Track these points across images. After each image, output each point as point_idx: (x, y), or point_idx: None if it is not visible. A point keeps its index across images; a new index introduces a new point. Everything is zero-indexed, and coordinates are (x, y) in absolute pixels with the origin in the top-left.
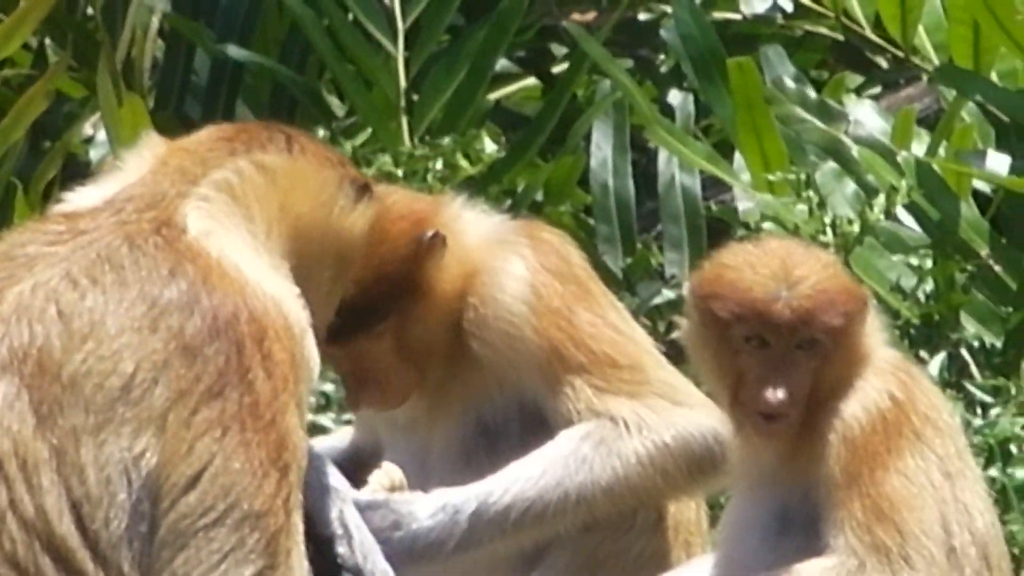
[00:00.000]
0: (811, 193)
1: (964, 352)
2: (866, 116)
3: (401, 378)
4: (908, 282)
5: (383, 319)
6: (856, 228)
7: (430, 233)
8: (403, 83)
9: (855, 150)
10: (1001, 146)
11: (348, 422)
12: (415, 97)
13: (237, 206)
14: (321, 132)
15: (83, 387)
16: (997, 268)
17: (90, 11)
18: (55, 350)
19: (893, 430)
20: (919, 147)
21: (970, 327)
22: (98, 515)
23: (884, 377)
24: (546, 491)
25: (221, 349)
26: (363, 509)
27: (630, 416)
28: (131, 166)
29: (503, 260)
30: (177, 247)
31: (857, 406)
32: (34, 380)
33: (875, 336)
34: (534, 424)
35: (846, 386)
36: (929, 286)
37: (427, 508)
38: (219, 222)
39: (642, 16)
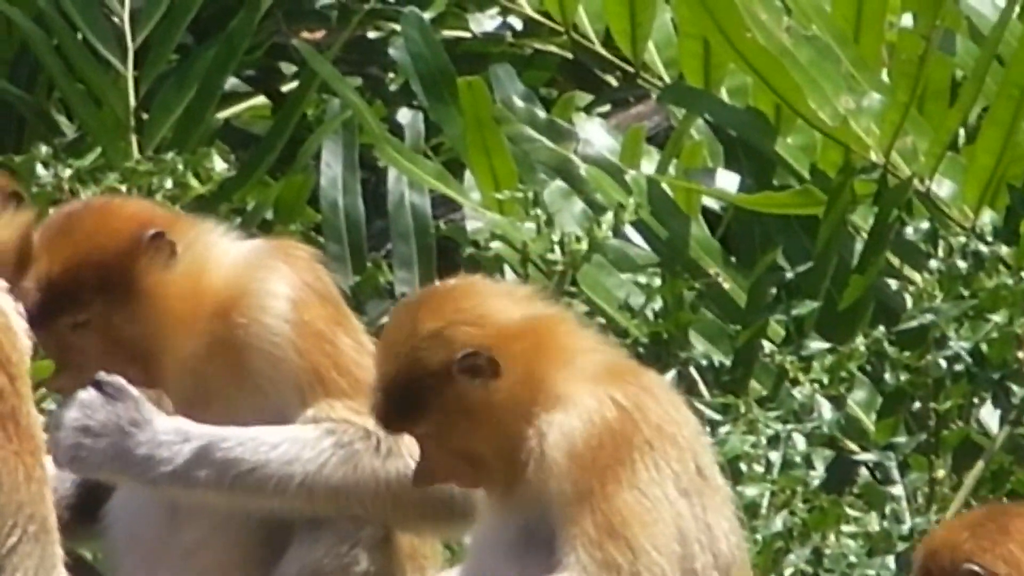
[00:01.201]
0: (540, 211)
1: (693, 370)
2: (595, 134)
3: (125, 371)
4: (636, 300)
5: (82, 308)
6: (584, 246)
7: (151, 233)
8: (133, 102)
9: (583, 169)
10: (730, 164)
11: None
12: (145, 116)
13: None
14: (45, 149)
15: None
16: (726, 286)
17: None
18: None
19: (622, 440)
20: (649, 165)
21: (699, 345)
22: None
23: (605, 385)
24: (275, 462)
25: None
26: (116, 388)
27: (384, 438)
28: None
29: (265, 280)
30: None
31: (576, 419)
32: None
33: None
34: None
35: (555, 398)
36: (658, 304)
37: (165, 424)
38: None
39: (371, 35)
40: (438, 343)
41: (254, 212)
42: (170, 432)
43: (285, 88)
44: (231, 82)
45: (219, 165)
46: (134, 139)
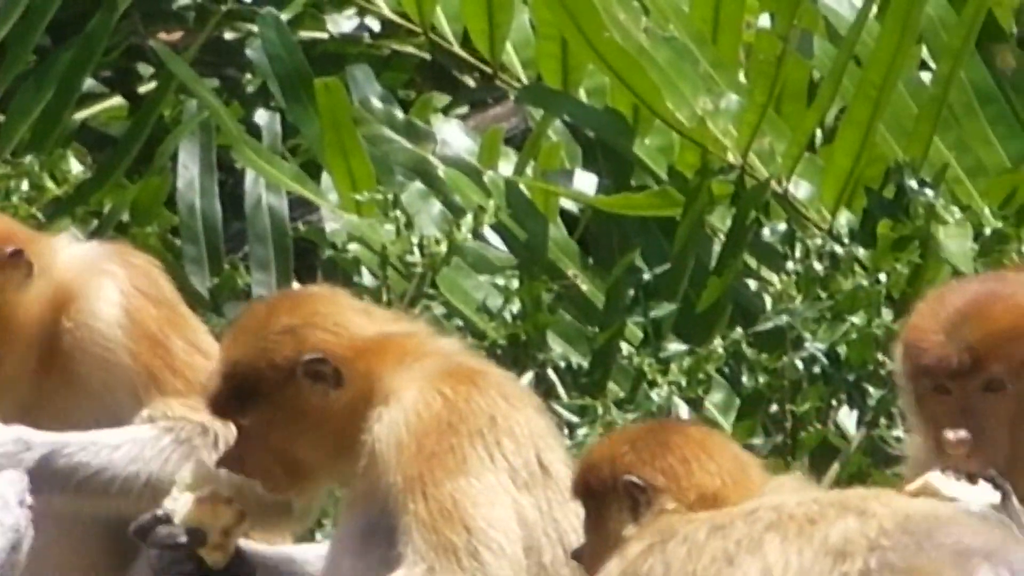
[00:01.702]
0: (398, 213)
1: (551, 372)
2: (453, 136)
3: None
4: (495, 302)
5: None
6: (443, 248)
7: (9, 250)
8: None
9: (442, 170)
10: (588, 165)
11: None
12: (1, 117)
13: None
14: None
15: None
16: (584, 288)
17: None
18: None
19: (448, 429)
20: (507, 167)
21: (557, 347)
22: None
23: (434, 380)
24: (118, 463)
25: None
26: None
27: (222, 433)
28: None
29: (96, 286)
30: None
31: (400, 411)
32: None
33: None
34: None
35: (385, 397)
36: (516, 306)
37: (5, 434)
38: None
39: (228, 35)
40: (290, 339)
41: (111, 214)
42: (9, 442)
43: (142, 89)
44: (88, 83)
45: (75, 167)
46: None
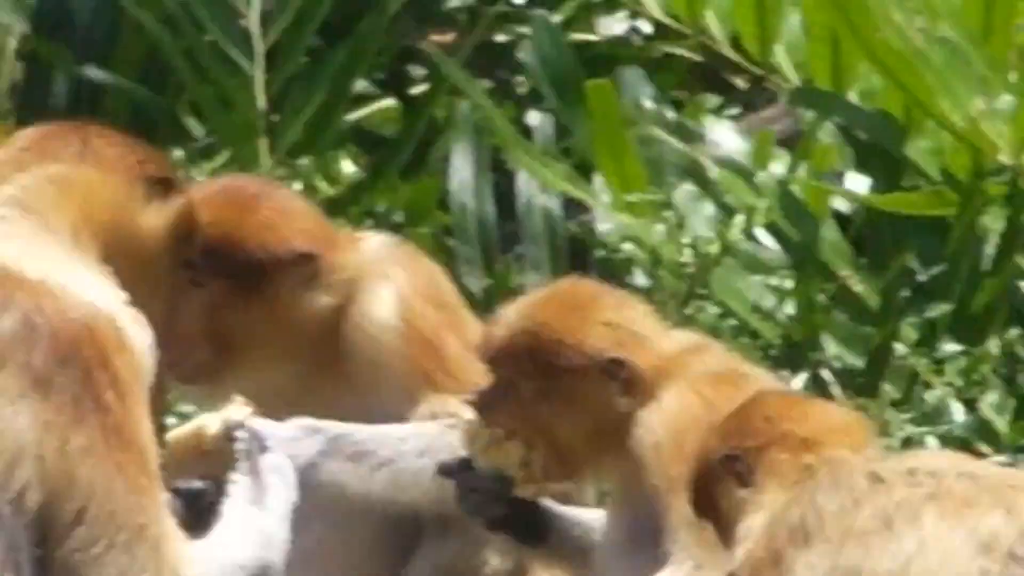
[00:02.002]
0: (670, 214)
1: (825, 373)
2: (725, 137)
3: (201, 349)
4: (768, 303)
5: (206, 274)
6: (716, 249)
7: (300, 251)
8: (262, 104)
9: (714, 171)
10: (860, 167)
11: None
12: (274, 118)
13: (33, 220)
14: (177, 153)
15: None
16: (858, 289)
17: None
18: None
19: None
20: (779, 168)
21: (831, 348)
22: None
23: (695, 382)
24: (408, 455)
25: (72, 377)
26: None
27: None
28: None
29: (375, 288)
30: None
31: (659, 413)
32: None
33: None
34: None
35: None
36: (790, 307)
37: (288, 424)
38: (25, 241)
39: (500, 38)
40: (607, 333)
41: (384, 215)
42: (294, 428)
43: (415, 91)
44: (361, 85)
45: (348, 168)
46: (265, 142)
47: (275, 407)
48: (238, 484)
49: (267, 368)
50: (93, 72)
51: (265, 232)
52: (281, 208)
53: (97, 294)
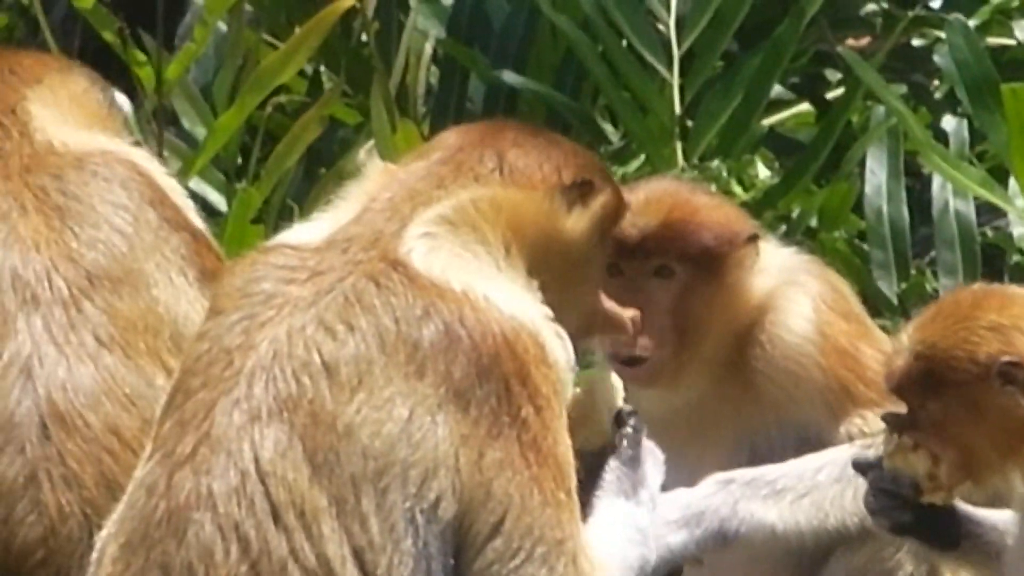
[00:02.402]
0: None
1: None
2: None
3: (666, 345)
4: None
5: (674, 260)
6: None
7: (748, 234)
8: (677, 109)
9: None
10: None
11: None
12: (689, 123)
13: (460, 236)
14: None
15: (359, 436)
16: None
17: (364, 37)
18: (326, 401)
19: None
20: None
21: None
22: (381, 561)
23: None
24: (823, 485)
25: (490, 391)
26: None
27: None
28: (351, 196)
29: (791, 300)
30: (421, 284)
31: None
32: (307, 430)
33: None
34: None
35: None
36: None
37: (700, 488)
38: (451, 255)
39: (916, 42)
40: (995, 337)
41: (799, 219)
42: (707, 487)
43: (830, 95)
44: (776, 89)
45: (763, 172)
46: (679, 146)
47: (675, 427)
48: (614, 473)
49: (704, 373)
50: (508, 76)
51: (718, 215)
52: (715, 200)
53: (520, 307)
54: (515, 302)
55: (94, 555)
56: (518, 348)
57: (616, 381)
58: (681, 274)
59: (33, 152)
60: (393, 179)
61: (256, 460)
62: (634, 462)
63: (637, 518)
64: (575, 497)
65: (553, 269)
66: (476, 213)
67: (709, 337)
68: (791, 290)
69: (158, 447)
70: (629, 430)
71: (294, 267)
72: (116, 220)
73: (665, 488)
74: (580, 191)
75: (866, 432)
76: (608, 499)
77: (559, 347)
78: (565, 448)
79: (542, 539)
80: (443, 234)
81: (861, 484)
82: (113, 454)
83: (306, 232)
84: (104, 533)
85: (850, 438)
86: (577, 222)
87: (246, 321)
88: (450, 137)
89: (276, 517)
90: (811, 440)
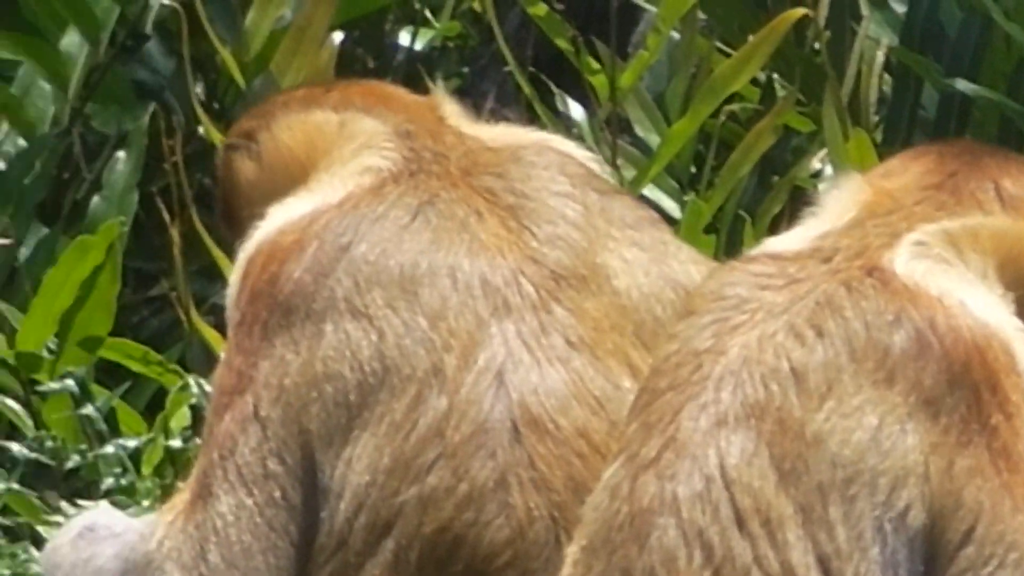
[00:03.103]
0: None
1: None
2: None
3: None
4: None
5: None
6: None
7: None
8: None
9: None
10: None
11: None
12: None
13: (952, 250)
14: None
15: (828, 444)
16: None
17: (816, 45)
18: (794, 408)
19: None
20: None
21: None
22: (847, 570)
23: None
24: None
25: (960, 398)
26: None
27: None
28: (831, 209)
29: None
30: (894, 288)
31: None
32: (774, 438)
33: None
34: None
35: None
36: None
37: None
38: (936, 260)
39: None
40: None
41: None
42: None
43: None
44: None
45: None
46: None
47: None
48: None
49: None
50: (962, 84)
51: None
52: None
53: (993, 315)
54: (990, 310)
55: None
56: (988, 355)
57: None
58: None
59: (468, 151)
60: (886, 195)
61: (722, 466)
62: None
63: None
64: None
65: None
66: (976, 239)
67: None
68: None
69: (623, 448)
70: None
71: (770, 273)
72: (568, 212)
73: None
74: None
75: None
76: None
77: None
78: None
79: (1015, 545)
80: (936, 244)
81: None
82: (582, 457)
83: (786, 242)
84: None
85: None
86: None
87: (717, 324)
88: (930, 159)
89: (741, 524)
90: None
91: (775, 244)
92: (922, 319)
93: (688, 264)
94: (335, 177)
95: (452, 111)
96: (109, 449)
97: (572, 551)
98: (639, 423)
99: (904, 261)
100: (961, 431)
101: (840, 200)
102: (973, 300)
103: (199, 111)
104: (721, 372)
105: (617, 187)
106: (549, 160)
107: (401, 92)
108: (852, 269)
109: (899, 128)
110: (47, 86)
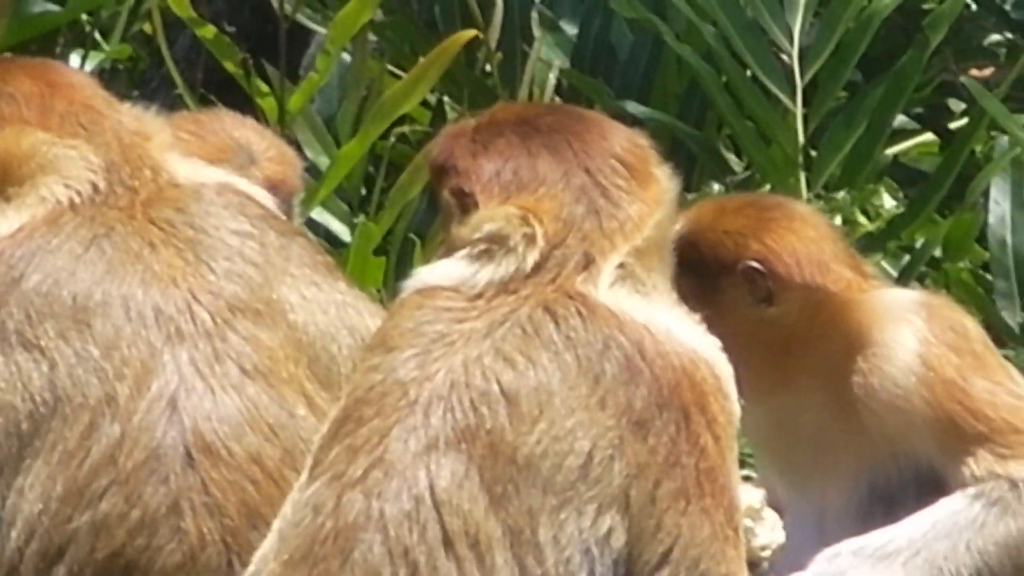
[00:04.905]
0: None
1: None
2: None
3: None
4: None
5: (710, 294)
6: None
7: (753, 263)
8: (801, 139)
9: None
10: None
11: None
12: (813, 153)
13: (636, 268)
14: (716, 187)
15: (540, 469)
16: None
17: (488, 67)
18: (506, 431)
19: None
20: None
21: None
22: None
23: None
24: (931, 541)
25: (670, 419)
26: None
27: None
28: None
29: (893, 332)
30: (600, 314)
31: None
32: (485, 461)
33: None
34: (931, 490)
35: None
36: None
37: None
38: (626, 285)
39: None
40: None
41: (922, 249)
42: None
43: (953, 125)
44: (899, 119)
45: (888, 202)
46: (802, 176)
47: (798, 459)
48: None
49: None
50: (632, 106)
51: (726, 238)
52: (786, 225)
53: (699, 340)
54: (694, 334)
55: (251, 569)
56: (696, 376)
57: None
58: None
59: (157, 186)
60: (552, 218)
61: (431, 488)
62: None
63: None
64: (742, 536)
65: None
66: (643, 248)
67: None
68: (894, 323)
69: (324, 471)
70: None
71: (463, 308)
72: (246, 251)
73: (794, 524)
74: None
75: (977, 475)
76: None
77: (730, 378)
78: (736, 483)
79: (707, 572)
80: (619, 273)
81: (975, 534)
82: (256, 483)
83: (444, 272)
84: (262, 552)
85: (965, 482)
86: None
87: (420, 357)
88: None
89: (448, 545)
90: (929, 477)
91: (429, 275)
92: (631, 345)
93: (366, 316)
94: (12, 207)
95: (163, 142)
96: None
97: (271, 568)
98: (343, 447)
99: (605, 286)
100: (670, 451)
101: (514, 228)
102: (678, 325)
103: None
104: (429, 397)
105: (297, 229)
106: (229, 200)
107: (127, 117)
108: (549, 293)
109: None
110: None
